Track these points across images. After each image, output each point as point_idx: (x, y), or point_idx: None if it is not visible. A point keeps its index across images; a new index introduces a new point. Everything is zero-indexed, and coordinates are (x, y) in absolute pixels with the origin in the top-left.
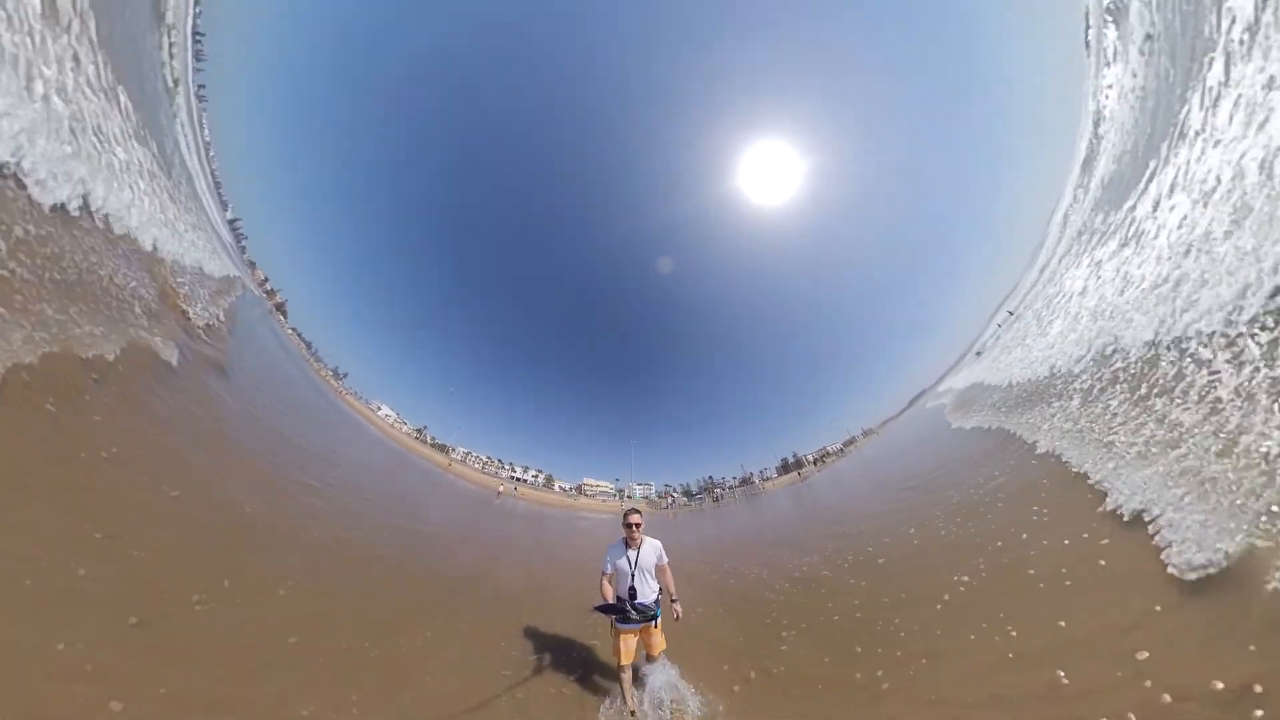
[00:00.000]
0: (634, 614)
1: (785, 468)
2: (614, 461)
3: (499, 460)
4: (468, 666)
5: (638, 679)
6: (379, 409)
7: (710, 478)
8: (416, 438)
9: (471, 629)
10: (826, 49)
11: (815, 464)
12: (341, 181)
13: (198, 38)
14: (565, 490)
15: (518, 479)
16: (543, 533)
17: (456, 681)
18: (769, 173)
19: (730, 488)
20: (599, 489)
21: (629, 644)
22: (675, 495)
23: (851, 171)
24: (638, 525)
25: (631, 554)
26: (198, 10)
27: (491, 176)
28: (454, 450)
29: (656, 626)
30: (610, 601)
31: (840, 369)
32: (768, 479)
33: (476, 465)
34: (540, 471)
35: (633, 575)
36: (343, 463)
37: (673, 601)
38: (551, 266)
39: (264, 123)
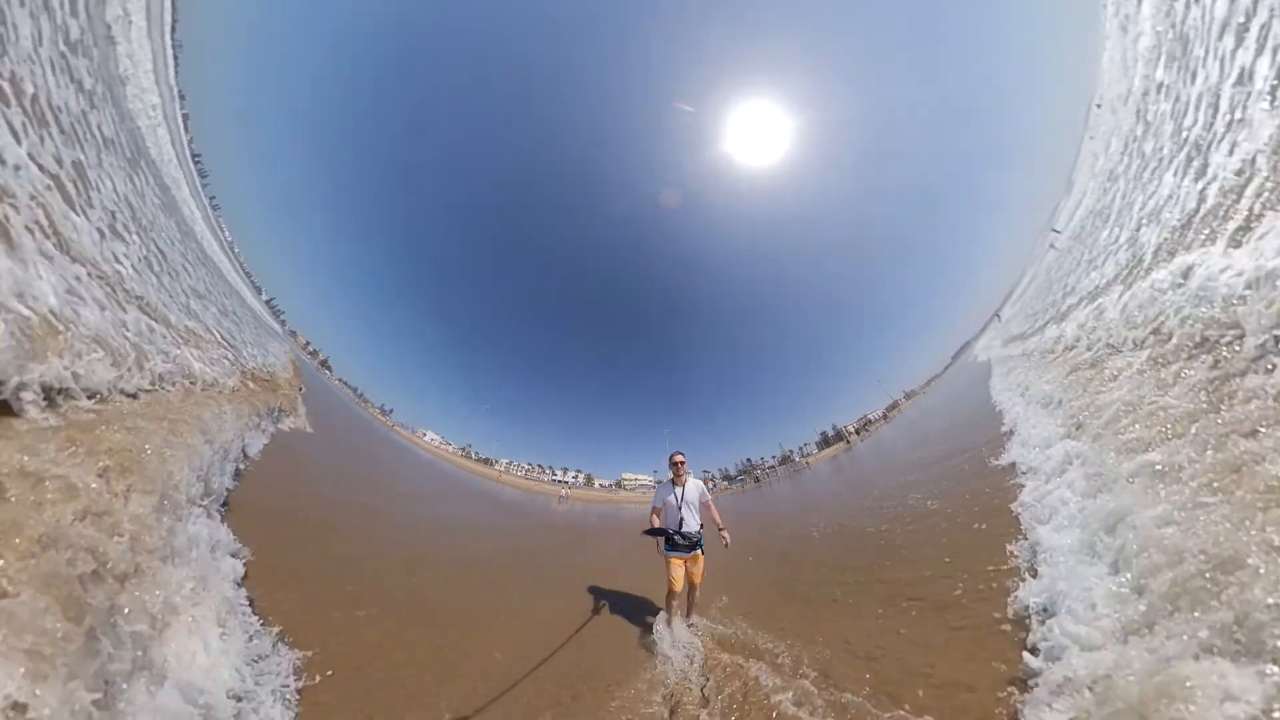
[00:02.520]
0: (680, 540)
1: (826, 441)
2: (650, 454)
3: (539, 465)
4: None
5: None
6: (425, 435)
7: (749, 459)
8: (463, 455)
9: (584, 596)
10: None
11: (858, 433)
12: (342, 222)
13: (197, 158)
14: (605, 486)
15: (559, 481)
16: (605, 528)
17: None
18: (768, 134)
19: (770, 468)
20: (638, 482)
21: (678, 571)
22: (715, 480)
23: (862, 120)
24: (682, 463)
25: (678, 490)
26: (189, 137)
27: (486, 179)
28: (497, 463)
29: (701, 555)
30: (658, 527)
31: (873, 334)
32: (808, 455)
33: (519, 473)
34: (579, 472)
35: (680, 508)
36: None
37: (720, 530)
38: (561, 267)
39: (268, 194)
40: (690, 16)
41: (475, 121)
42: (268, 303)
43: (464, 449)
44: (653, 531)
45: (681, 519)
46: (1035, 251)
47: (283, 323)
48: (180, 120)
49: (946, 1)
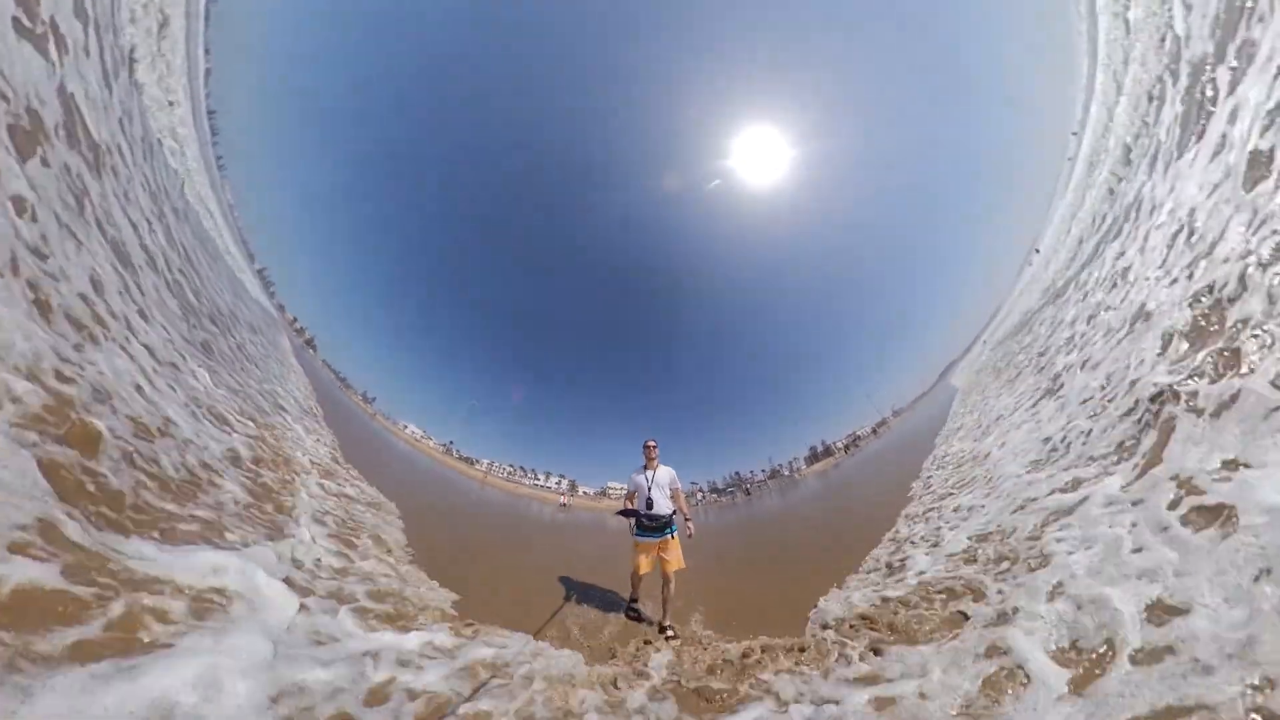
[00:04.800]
0: (648, 521)
1: (815, 456)
2: (632, 464)
3: (521, 468)
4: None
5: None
6: (406, 427)
7: (737, 473)
8: (445, 452)
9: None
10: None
11: (847, 449)
12: (341, 211)
13: (211, 115)
14: (589, 495)
15: (542, 486)
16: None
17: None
18: (770, 157)
19: (759, 481)
20: (623, 493)
21: (641, 556)
22: (704, 492)
23: (864, 137)
24: (653, 448)
25: (649, 474)
26: (207, 91)
27: (484, 175)
28: (479, 463)
29: (672, 539)
30: (630, 509)
31: (865, 351)
32: (798, 470)
33: (501, 475)
34: (563, 477)
35: (650, 489)
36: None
37: (686, 520)
38: (555, 270)
39: (272, 159)
40: (703, 37)
41: (475, 116)
42: (259, 272)
43: (446, 445)
44: (625, 513)
45: (650, 500)
46: (1022, 272)
47: (272, 294)
48: (202, 76)
49: (948, 57)
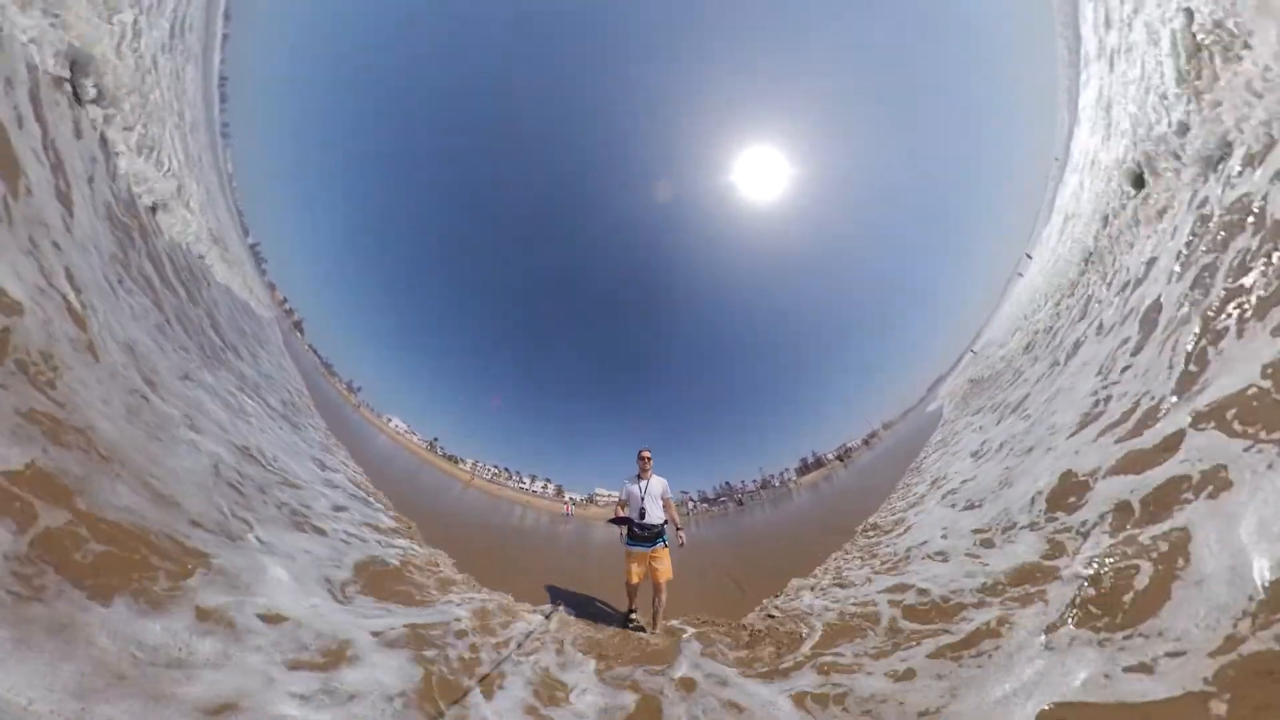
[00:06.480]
0: (640, 531)
1: (806, 467)
2: (621, 471)
3: (505, 469)
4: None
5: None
6: (391, 421)
7: (727, 483)
8: (429, 449)
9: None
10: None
11: (841, 459)
12: (341, 196)
13: (222, 81)
14: (575, 501)
15: (530, 490)
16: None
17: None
18: (770, 173)
19: (751, 492)
20: (610, 499)
21: (634, 565)
22: (694, 501)
23: (863, 148)
24: (648, 458)
25: (642, 484)
26: (221, 58)
27: (487, 175)
28: (464, 462)
29: (663, 548)
30: (622, 516)
31: (854, 363)
32: (790, 480)
33: (486, 475)
34: (548, 481)
35: (643, 499)
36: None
37: (678, 530)
38: (553, 272)
39: (276, 138)
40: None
41: (475, 112)
42: (252, 247)
43: (431, 442)
44: (617, 520)
45: (643, 510)
46: (1012, 283)
47: (263, 272)
48: (220, 39)
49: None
